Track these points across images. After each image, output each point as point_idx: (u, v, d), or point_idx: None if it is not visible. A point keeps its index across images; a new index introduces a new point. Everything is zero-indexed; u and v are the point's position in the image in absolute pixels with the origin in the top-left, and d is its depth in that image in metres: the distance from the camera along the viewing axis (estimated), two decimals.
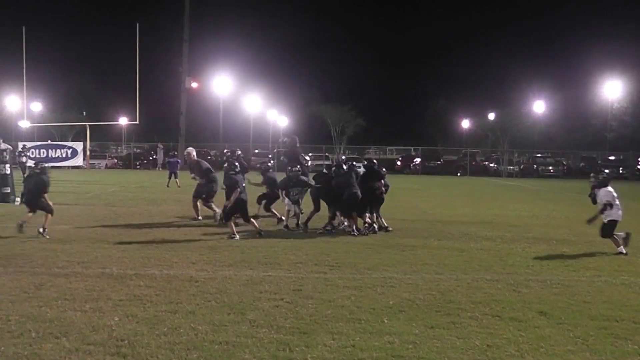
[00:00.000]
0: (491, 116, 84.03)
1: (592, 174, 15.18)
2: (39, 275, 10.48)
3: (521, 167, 66.51)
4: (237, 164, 16.33)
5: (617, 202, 14.15)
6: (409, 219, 19.86)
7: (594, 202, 14.63)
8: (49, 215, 15.03)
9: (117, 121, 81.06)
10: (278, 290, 9.66)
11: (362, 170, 17.62)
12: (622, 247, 13.88)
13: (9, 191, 23.30)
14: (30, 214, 15.05)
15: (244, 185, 15.81)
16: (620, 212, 14.15)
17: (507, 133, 75.58)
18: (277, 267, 11.55)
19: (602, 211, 14.15)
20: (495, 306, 9.06)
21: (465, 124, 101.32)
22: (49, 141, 67.49)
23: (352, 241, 15.02)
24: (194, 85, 64.78)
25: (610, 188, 14.31)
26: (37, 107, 77.67)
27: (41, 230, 14.63)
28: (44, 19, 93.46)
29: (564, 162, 67.05)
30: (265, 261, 12.14)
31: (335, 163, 18.62)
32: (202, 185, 18.35)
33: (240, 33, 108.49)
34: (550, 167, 62.80)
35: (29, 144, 55.05)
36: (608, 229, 14.05)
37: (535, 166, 63.91)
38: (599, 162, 65.88)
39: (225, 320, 7.97)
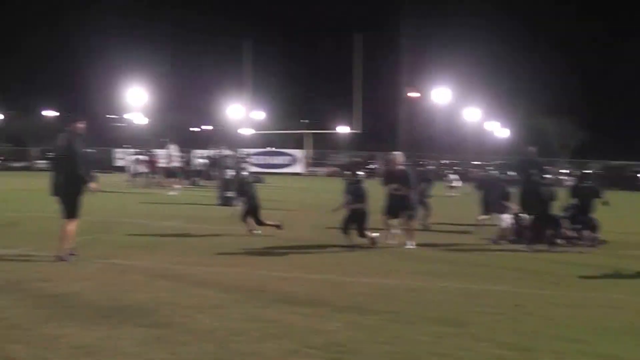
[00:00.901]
0: None
1: None
2: (260, 277, 10.83)
3: None
4: None
5: None
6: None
7: None
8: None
9: (335, 129, 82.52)
10: (498, 305, 9.35)
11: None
12: None
13: (232, 195, 24.37)
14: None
15: None
16: None
17: None
18: (497, 282, 11.20)
19: None
20: None
21: None
22: (270, 148, 70.03)
23: (572, 259, 14.34)
24: (415, 94, 64.78)
25: None
26: (260, 115, 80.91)
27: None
28: (267, 31, 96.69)
29: None
30: (483, 274, 11.88)
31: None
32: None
33: (461, 42, 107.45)
34: None
35: (251, 151, 57.38)
36: None
37: None
38: None
39: (446, 332, 7.76)
